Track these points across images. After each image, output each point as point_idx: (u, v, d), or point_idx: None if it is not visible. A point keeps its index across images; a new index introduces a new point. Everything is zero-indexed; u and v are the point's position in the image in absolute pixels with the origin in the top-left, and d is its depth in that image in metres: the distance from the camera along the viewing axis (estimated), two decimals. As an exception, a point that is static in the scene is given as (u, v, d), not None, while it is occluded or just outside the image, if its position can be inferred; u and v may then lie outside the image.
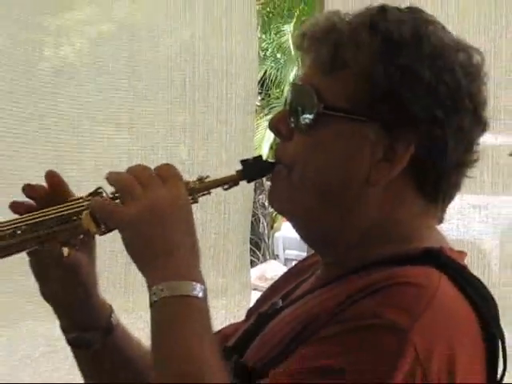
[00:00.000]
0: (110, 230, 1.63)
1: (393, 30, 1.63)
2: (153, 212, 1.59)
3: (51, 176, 1.73)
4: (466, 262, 1.70)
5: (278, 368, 1.53)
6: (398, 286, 1.55)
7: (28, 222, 1.69)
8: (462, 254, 1.70)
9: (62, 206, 1.69)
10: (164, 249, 1.60)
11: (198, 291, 1.57)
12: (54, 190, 1.69)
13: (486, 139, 1.96)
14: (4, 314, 2.98)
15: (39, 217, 1.69)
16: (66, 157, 2.90)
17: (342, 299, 1.57)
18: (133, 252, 1.60)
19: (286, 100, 1.73)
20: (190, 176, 1.65)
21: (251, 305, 2.12)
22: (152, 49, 3.02)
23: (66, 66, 2.97)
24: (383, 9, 1.67)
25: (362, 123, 1.62)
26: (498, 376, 1.62)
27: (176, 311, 1.57)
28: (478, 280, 1.65)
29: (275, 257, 10.28)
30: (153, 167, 1.63)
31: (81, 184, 2.42)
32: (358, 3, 2.11)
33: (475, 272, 1.79)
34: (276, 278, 2.02)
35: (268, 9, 12.08)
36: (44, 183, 1.69)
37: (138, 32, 2.97)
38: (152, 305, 1.56)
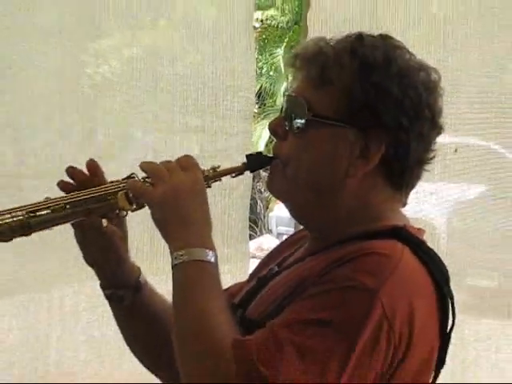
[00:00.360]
0: (140, 208, 1.87)
1: (368, 54, 1.87)
2: (176, 193, 1.83)
3: (91, 164, 1.95)
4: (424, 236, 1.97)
5: (273, 320, 1.77)
6: (369, 255, 1.79)
7: (74, 199, 1.89)
8: (421, 230, 1.95)
9: (101, 187, 1.91)
10: (184, 222, 1.84)
11: (210, 257, 1.81)
12: (91, 175, 1.92)
13: (438, 139, 2.33)
14: (54, 276, 3.36)
15: (83, 195, 1.90)
16: (106, 151, 3.26)
17: (324, 266, 1.81)
18: (159, 224, 1.84)
19: (282, 107, 1.96)
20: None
21: (250, 270, 2.36)
22: (171, 68, 3.32)
23: (103, 82, 3.36)
24: (361, 36, 1.90)
25: (343, 128, 1.86)
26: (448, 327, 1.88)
27: (192, 273, 1.81)
28: (433, 251, 1.89)
29: (269, 232, 11.16)
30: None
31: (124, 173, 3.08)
32: (337, 34, 2.81)
33: (429, 243, 2.08)
34: (270, 248, 2.22)
35: (264, 36, 13.45)
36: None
37: (160, 55, 3.31)
38: (173, 267, 1.81)
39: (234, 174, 1.96)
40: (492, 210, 2.98)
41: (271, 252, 2.16)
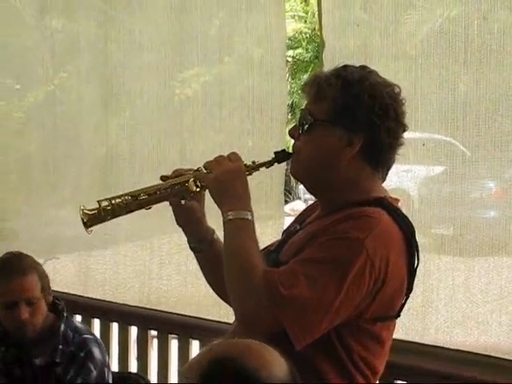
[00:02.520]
0: (203, 189, 2.28)
1: (348, 75, 2.18)
2: (224, 176, 2.20)
3: (177, 169, 2.34)
4: (400, 204, 2.28)
5: (293, 259, 2.13)
6: (359, 217, 2.11)
7: (161, 188, 2.29)
8: (397, 200, 2.28)
9: (179, 178, 2.29)
10: (230, 195, 2.19)
11: (248, 216, 2.18)
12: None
13: (410, 135, 2.82)
14: (154, 230, 3.87)
15: (167, 184, 2.29)
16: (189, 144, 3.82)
17: (328, 224, 2.14)
18: (214, 198, 2.23)
19: (298, 118, 2.26)
20: (250, 159, 2.31)
21: (285, 225, 2.93)
22: (232, 90, 3.77)
23: (187, 100, 3.97)
24: (345, 66, 2.23)
25: (332, 127, 2.18)
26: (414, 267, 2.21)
27: (235, 227, 2.17)
28: (404, 214, 2.23)
29: (299, 198, 12.47)
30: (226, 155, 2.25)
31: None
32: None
33: (404, 209, 2.50)
34: (299, 210, 2.52)
35: (294, 67, 14.25)
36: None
37: (224, 81, 3.80)
38: (224, 224, 2.19)
39: (267, 165, 2.31)
40: (448, 183, 3.14)
41: (298, 215, 2.43)
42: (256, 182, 2.32)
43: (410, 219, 2.27)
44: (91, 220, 2.23)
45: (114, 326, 4.10)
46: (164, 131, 3.98)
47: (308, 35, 15.85)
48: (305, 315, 2.02)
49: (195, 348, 3.71)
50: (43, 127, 4.52)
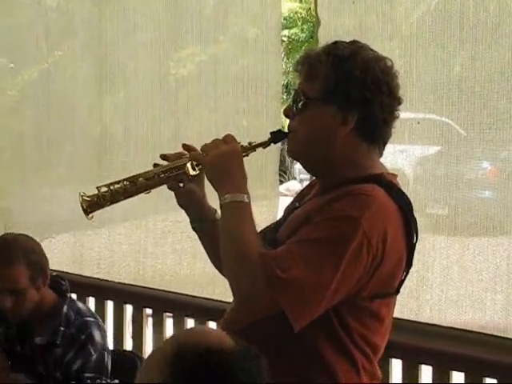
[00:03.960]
0: (200, 172, 2.28)
1: (339, 52, 2.16)
2: (220, 158, 2.20)
3: (181, 149, 2.33)
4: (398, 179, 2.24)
5: (290, 239, 2.12)
6: (355, 195, 2.11)
7: (161, 170, 2.28)
8: (394, 175, 2.26)
9: (175, 161, 2.29)
10: (226, 176, 2.18)
11: (244, 198, 2.17)
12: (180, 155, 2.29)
13: (405, 115, 2.96)
14: (148, 209, 3.91)
15: (165, 168, 2.28)
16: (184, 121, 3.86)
17: (325, 202, 2.15)
18: (210, 180, 2.23)
19: (292, 98, 2.25)
20: (247, 139, 2.29)
21: (279, 206, 3.16)
22: (227, 69, 3.79)
23: (182, 79, 4.00)
24: (335, 42, 2.22)
25: (326, 105, 2.17)
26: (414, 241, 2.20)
27: (232, 209, 2.17)
28: (402, 191, 2.23)
29: (294, 178, 12.66)
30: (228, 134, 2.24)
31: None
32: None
33: (401, 184, 2.41)
34: (295, 190, 3.20)
35: (289, 46, 14.35)
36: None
37: (219, 60, 3.82)
38: (221, 207, 2.19)
39: (264, 146, 2.29)
40: (443, 163, 3.16)
41: (298, 194, 2.44)
42: (250, 162, 2.26)
43: None
44: (91, 206, 2.26)
45: (109, 305, 4.12)
46: (159, 110, 4.01)
47: (303, 15, 15.85)
48: (303, 296, 2.03)
49: (190, 326, 3.74)
50: (37, 106, 4.53)
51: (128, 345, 4.07)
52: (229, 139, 2.24)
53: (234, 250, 2.12)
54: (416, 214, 2.15)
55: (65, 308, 3.06)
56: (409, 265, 2.21)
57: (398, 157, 3.36)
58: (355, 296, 2.09)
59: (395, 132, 2.85)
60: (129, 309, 4.06)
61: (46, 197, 4.47)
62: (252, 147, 2.27)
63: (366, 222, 2.05)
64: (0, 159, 4.72)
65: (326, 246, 2.05)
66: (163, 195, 2.75)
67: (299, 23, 15.90)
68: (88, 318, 3.07)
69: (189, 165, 2.26)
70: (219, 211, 2.23)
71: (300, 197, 2.39)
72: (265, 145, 2.28)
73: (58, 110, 4.43)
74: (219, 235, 2.20)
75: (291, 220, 2.26)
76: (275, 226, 2.32)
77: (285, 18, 14.17)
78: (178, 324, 3.76)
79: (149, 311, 4.02)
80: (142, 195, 3.41)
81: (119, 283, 4.03)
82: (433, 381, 3.11)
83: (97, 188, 2.27)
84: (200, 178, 2.34)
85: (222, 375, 1.47)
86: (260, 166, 3.60)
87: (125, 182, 2.26)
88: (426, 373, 3.17)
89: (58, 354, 3.00)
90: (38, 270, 3.02)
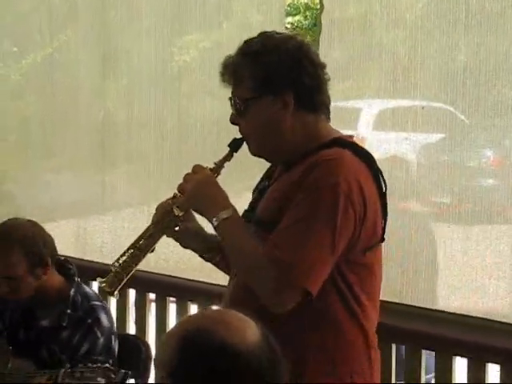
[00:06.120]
0: (185, 210, 2.42)
1: (253, 48, 2.31)
2: (196, 189, 2.35)
3: (157, 208, 2.49)
4: (355, 139, 2.39)
5: (280, 225, 2.23)
6: (324, 162, 2.24)
7: (153, 224, 2.43)
8: (351, 136, 2.41)
9: (162, 213, 2.43)
10: (208, 201, 2.34)
11: (232, 212, 2.33)
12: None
13: (409, 102, 3.21)
14: (152, 195, 3.77)
15: (157, 220, 2.43)
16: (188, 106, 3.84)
17: (298, 176, 2.25)
18: (196, 211, 2.43)
19: (232, 106, 2.38)
20: None
21: None
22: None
23: (185, 66, 3.99)
24: (244, 43, 2.36)
25: (263, 97, 2.31)
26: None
27: (225, 226, 2.32)
28: (362, 147, 2.35)
29: None
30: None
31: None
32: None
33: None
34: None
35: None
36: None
37: (223, 46, 3.67)
38: (215, 229, 2.35)
39: (228, 159, 2.42)
40: (446, 149, 3.20)
41: (264, 173, 2.55)
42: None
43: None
44: (111, 286, 2.39)
45: (112, 289, 4.08)
46: (162, 96, 4.02)
47: (307, 2, 15.75)
48: (311, 268, 2.17)
49: (193, 312, 3.72)
50: (41, 90, 4.51)
51: (131, 330, 4.06)
52: (197, 169, 2.37)
53: (242, 263, 2.30)
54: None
55: (72, 292, 3.05)
56: (385, 213, 2.34)
57: (401, 144, 3.40)
58: (350, 253, 2.24)
59: (398, 119, 3.15)
60: (132, 293, 4.05)
61: (49, 182, 4.45)
62: (218, 166, 2.40)
63: (343, 185, 2.19)
64: (4, 143, 4.70)
65: (317, 220, 2.18)
66: (166, 178, 3.17)
67: (302, 10, 15.82)
68: (95, 302, 3.07)
69: (175, 208, 2.40)
70: None
71: (267, 175, 2.51)
72: (229, 158, 2.41)
73: (61, 95, 4.42)
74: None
75: (268, 198, 2.38)
76: (251, 207, 2.44)
77: (288, 5, 14.06)
78: (181, 309, 3.77)
79: (152, 297, 4.02)
80: (144, 179, 3.79)
81: (122, 268, 3.98)
82: (435, 366, 3.14)
83: (110, 268, 2.41)
84: (189, 214, 2.48)
85: (230, 372, 1.49)
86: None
87: (129, 252, 2.40)
88: (429, 358, 3.20)
89: (65, 336, 2.99)
90: (37, 258, 3.01)
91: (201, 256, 2.59)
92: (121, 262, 2.39)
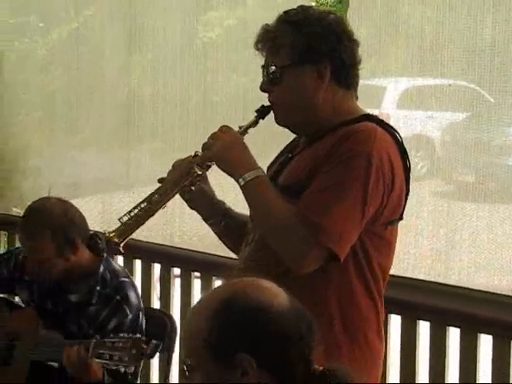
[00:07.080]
0: (207, 168, 2.42)
1: (293, 18, 2.33)
2: (223, 147, 2.35)
3: (173, 165, 2.48)
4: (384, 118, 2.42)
5: (309, 190, 2.25)
6: (357, 133, 2.28)
7: (171, 183, 2.41)
8: (378, 115, 2.44)
9: (182, 169, 2.42)
10: (236, 161, 2.34)
11: (260, 172, 2.34)
12: None
13: (434, 81, 3.23)
14: None
15: (175, 178, 2.42)
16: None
17: (329, 147, 2.29)
18: (223, 169, 2.38)
19: (264, 75, 2.40)
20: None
21: None
22: (254, 33, 3.24)
23: (210, 43, 4.01)
24: (286, 12, 2.38)
25: (301, 66, 2.33)
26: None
27: (251, 188, 2.32)
28: (391, 125, 2.38)
29: None
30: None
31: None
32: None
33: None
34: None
35: None
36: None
37: (247, 24, 3.76)
38: (241, 188, 2.33)
39: (253, 125, 2.43)
40: (471, 128, 3.23)
41: (284, 147, 2.58)
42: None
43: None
44: (119, 237, 2.36)
45: (138, 263, 4.10)
46: (187, 72, 4.03)
47: (333, -21, 15.60)
48: (342, 231, 2.20)
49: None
50: (67, 65, 4.51)
51: (155, 305, 4.07)
52: (224, 129, 2.37)
53: (269, 223, 2.28)
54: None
55: (101, 268, 3.06)
56: (407, 191, 2.37)
57: (426, 122, 3.43)
58: (373, 225, 2.27)
59: (423, 98, 3.17)
60: (157, 268, 4.05)
61: (74, 157, 4.46)
62: (243, 130, 2.40)
63: (376, 155, 2.22)
64: (31, 118, 4.70)
65: (349, 186, 2.22)
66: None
67: (328, -12, 15.70)
68: (124, 279, 3.08)
69: (195, 166, 2.39)
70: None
71: (289, 148, 2.52)
72: (254, 124, 2.41)
73: (87, 70, 4.41)
74: (250, 217, 2.39)
75: (294, 167, 2.40)
76: (272, 177, 2.43)
77: (314, -18, 13.96)
78: (206, 284, 3.78)
79: (176, 271, 4.02)
80: (168, 155, 3.45)
81: (148, 242, 3.97)
82: (460, 343, 3.14)
83: (119, 220, 2.38)
84: (205, 177, 2.48)
85: (268, 333, 1.56)
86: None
87: (142, 205, 2.38)
88: (453, 335, 3.20)
89: (92, 312, 3.01)
90: (66, 241, 3.01)
91: (204, 220, 2.58)
92: (132, 214, 2.36)
